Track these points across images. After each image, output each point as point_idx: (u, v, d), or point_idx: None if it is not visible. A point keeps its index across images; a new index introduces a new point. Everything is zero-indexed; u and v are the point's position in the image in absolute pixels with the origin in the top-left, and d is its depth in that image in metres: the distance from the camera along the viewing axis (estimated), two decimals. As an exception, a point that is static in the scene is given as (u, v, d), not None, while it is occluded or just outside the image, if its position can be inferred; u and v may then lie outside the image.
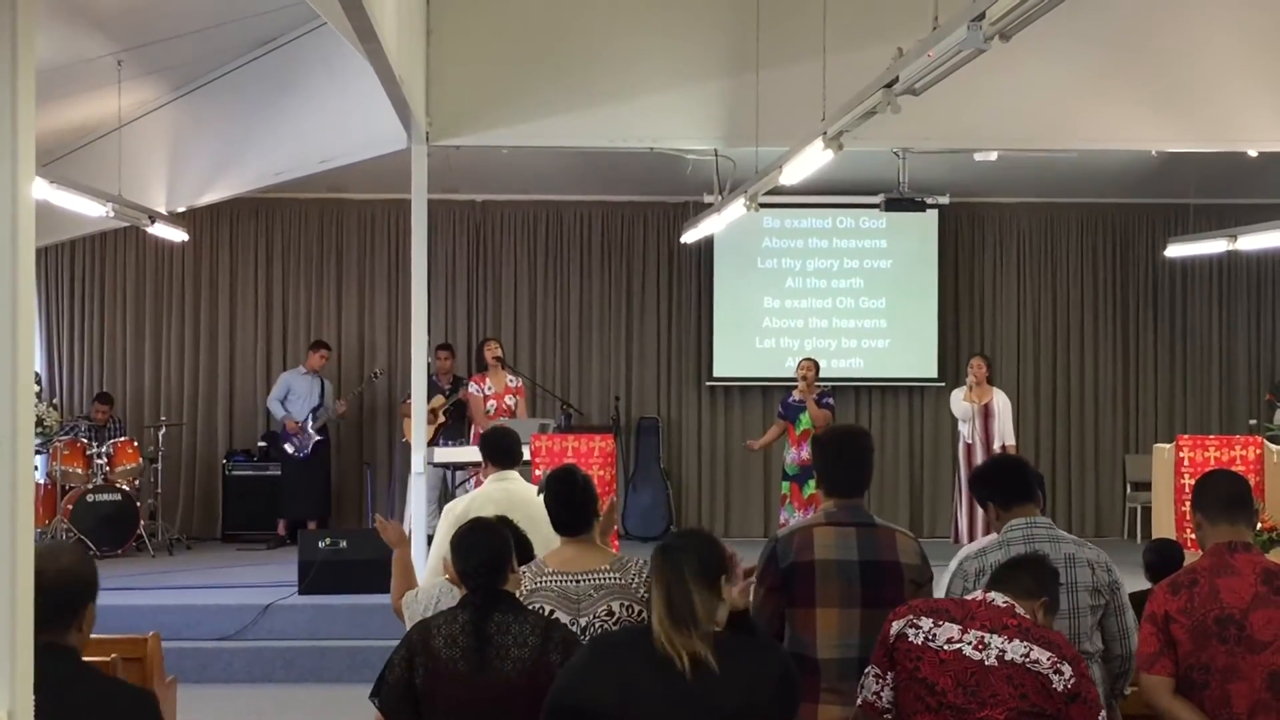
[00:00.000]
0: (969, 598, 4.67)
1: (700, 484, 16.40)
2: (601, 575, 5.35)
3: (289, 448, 14.92)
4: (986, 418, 13.61)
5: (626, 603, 5.34)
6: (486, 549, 4.96)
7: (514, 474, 7.28)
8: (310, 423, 14.90)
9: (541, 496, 5.70)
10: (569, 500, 5.59)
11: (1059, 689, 4.35)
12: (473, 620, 4.79)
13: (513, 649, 4.71)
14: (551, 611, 5.22)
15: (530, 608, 5.14)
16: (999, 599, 4.56)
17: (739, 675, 4.02)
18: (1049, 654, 4.39)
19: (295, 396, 14.98)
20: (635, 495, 15.70)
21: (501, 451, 7.34)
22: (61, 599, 3.77)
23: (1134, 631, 5.32)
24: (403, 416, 14.46)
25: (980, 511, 13.07)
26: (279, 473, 15.16)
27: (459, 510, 6.91)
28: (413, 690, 4.78)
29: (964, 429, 13.74)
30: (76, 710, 3.69)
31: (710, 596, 4.09)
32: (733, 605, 4.53)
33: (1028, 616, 4.53)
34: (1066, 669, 4.38)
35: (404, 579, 6.38)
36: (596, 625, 5.24)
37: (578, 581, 5.34)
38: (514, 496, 6.92)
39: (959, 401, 13.79)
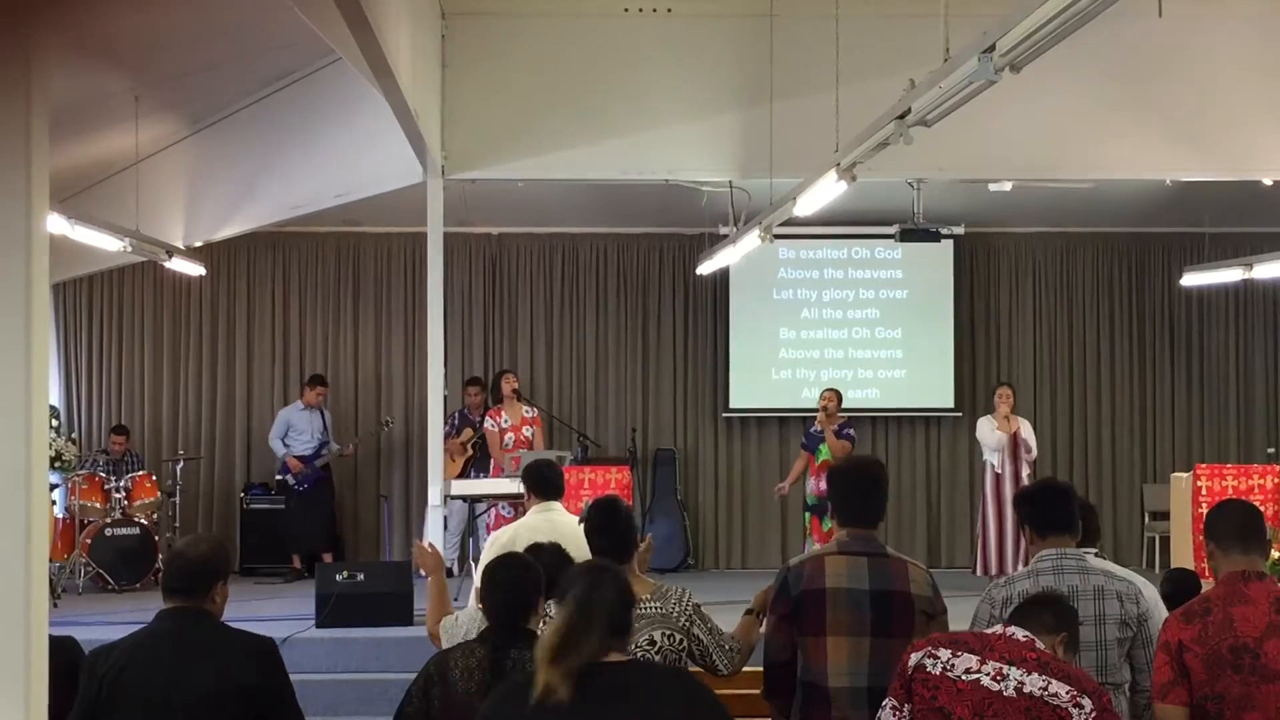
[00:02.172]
0: (989, 631, 4.66)
1: (717, 515, 16.37)
2: (643, 605, 5.38)
3: (290, 481, 14.93)
4: (1015, 447, 13.59)
5: (668, 632, 5.38)
6: (513, 586, 4.97)
7: (558, 505, 7.35)
8: (316, 459, 14.90)
9: (583, 526, 5.76)
10: (611, 530, 5.65)
11: None
12: (490, 655, 4.79)
13: None
14: None
15: None
16: (1019, 633, 4.55)
17: (642, 706, 3.82)
18: (1068, 688, 4.38)
19: (296, 432, 14.97)
20: (652, 527, 15.65)
21: (545, 483, 7.42)
22: (196, 575, 5.03)
23: None
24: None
25: (1009, 543, 13.08)
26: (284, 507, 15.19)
27: (504, 540, 6.96)
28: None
29: (993, 459, 13.69)
30: (208, 650, 4.90)
31: (609, 639, 3.86)
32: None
33: (1048, 651, 4.53)
34: (1087, 703, 4.36)
35: (440, 604, 6.39)
36: (639, 655, 5.27)
37: None
38: (559, 528, 7.01)
39: (991, 432, 13.69)
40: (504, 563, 5.15)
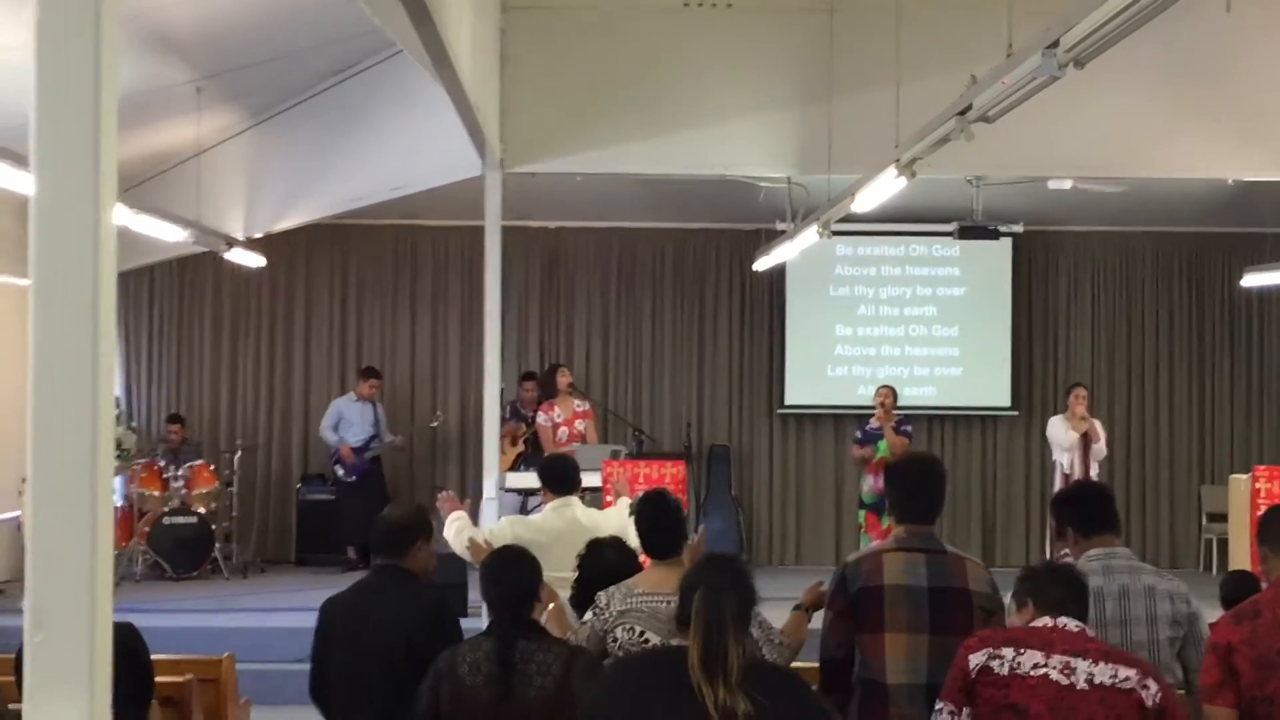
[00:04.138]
0: (1039, 624, 4.62)
1: (771, 512, 16.36)
2: None
3: (340, 471, 15.00)
4: (1085, 448, 13.53)
5: None
6: (512, 579, 5.00)
7: (575, 500, 7.37)
8: (366, 451, 14.96)
9: (632, 520, 5.80)
10: (660, 524, 5.69)
11: (1149, 705, 4.36)
12: (497, 648, 4.81)
13: (536, 677, 4.73)
14: (642, 633, 5.28)
15: (621, 628, 5.26)
16: (1070, 624, 4.56)
17: (770, 717, 3.94)
18: (1135, 670, 4.42)
19: (347, 424, 15.04)
20: (706, 522, 15.61)
21: (560, 478, 7.43)
22: (393, 537, 5.74)
23: None
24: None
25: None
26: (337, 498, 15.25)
27: (520, 532, 6.97)
28: (439, 717, 4.80)
29: (1063, 459, 13.64)
30: (391, 603, 5.58)
31: (745, 638, 4.06)
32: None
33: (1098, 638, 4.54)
34: (1153, 684, 4.40)
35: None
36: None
37: (668, 603, 5.38)
38: (571, 523, 7.07)
39: (1064, 431, 13.64)
40: (501, 557, 5.19)
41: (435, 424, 15.76)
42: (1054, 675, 4.43)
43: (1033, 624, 4.64)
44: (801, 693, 4.16)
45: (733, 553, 4.67)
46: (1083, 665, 4.43)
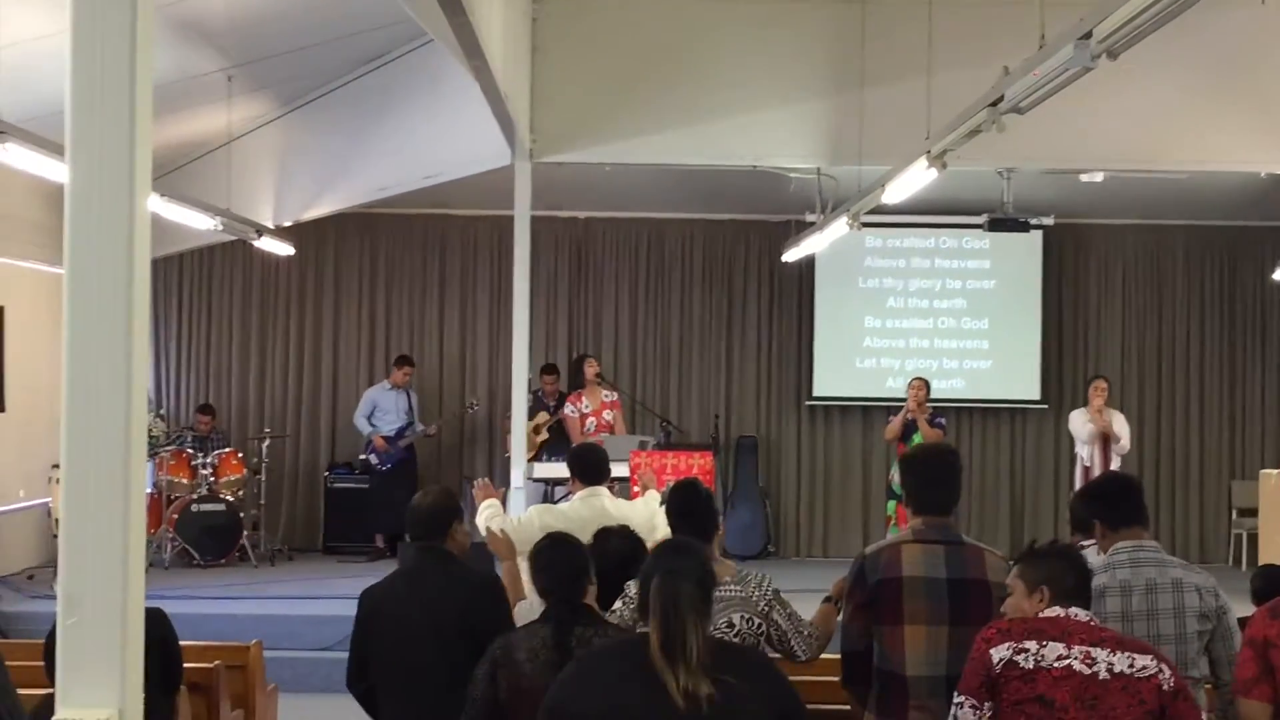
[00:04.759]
0: (1050, 614, 4.58)
1: (799, 504, 16.32)
2: (723, 588, 5.34)
3: (373, 459, 15.02)
4: (1106, 441, 13.47)
5: (747, 615, 5.39)
6: (564, 564, 5.00)
7: (603, 490, 7.35)
8: (400, 439, 14.98)
9: (663, 509, 5.79)
10: (691, 513, 5.66)
11: (1166, 688, 4.36)
12: (554, 634, 4.81)
13: None
14: None
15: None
16: (1081, 613, 4.54)
17: (737, 698, 3.90)
18: (1150, 657, 4.41)
19: (381, 412, 15.05)
20: (733, 513, 15.65)
21: (590, 467, 7.41)
22: (430, 520, 5.80)
23: None
24: (504, 433, 14.52)
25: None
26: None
27: (548, 521, 6.96)
28: (497, 705, 4.79)
29: (1084, 452, 13.58)
30: (435, 585, 5.66)
31: (706, 622, 4.00)
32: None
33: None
34: (1166, 669, 4.40)
35: (515, 590, 6.42)
36: (717, 636, 5.26)
37: None
38: (600, 513, 7.04)
39: (1084, 424, 13.59)
40: (550, 543, 5.17)
41: (472, 408, 15.78)
42: (1077, 666, 4.42)
43: (1046, 613, 4.61)
44: (770, 671, 4.11)
45: (690, 539, 4.64)
46: (1102, 655, 4.42)
